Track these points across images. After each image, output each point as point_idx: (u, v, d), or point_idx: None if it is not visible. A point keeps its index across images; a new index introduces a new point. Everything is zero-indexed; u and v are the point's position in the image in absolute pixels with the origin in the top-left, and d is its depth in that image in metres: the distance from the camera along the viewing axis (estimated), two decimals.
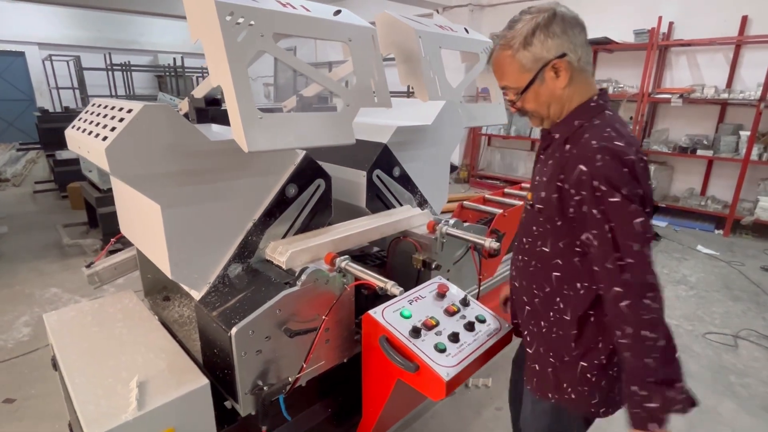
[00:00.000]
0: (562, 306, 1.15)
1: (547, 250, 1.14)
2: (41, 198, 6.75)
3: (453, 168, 8.05)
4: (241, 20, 1.10)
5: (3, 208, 5.99)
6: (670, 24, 5.45)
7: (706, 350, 2.90)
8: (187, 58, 11.60)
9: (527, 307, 1.26)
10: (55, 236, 4.91)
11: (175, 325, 1.79)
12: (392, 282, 1.36)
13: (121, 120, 1.20)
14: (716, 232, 5.25)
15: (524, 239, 1.22)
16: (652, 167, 5.53)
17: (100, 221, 4.48)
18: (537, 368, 1.23)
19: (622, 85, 5.80)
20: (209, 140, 1.35)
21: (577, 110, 1.09)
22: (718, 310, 3.45)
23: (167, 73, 11.36)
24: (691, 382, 2.58)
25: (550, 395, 1.21)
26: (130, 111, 1.21)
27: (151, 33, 12.46)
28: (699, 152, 5.25)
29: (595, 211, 0.97)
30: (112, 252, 1.99)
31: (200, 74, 11.27)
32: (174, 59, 10.95)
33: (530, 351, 1.27)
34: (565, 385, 1.17)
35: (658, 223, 5.48)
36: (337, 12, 1.38)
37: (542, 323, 1.21)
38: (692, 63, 5.46)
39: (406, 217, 1.95)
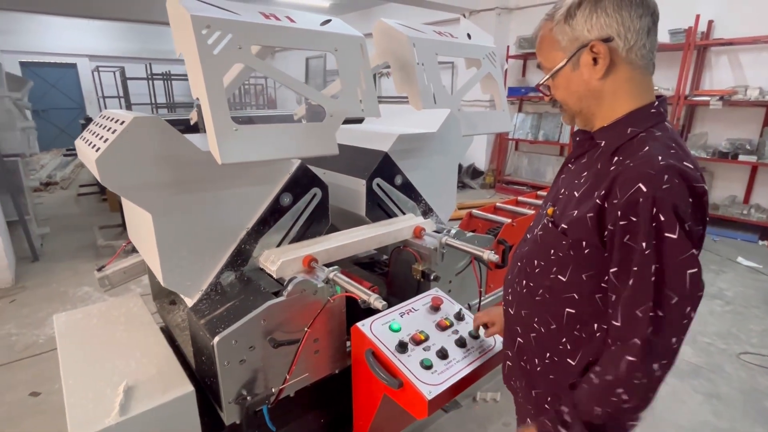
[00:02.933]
0: (569, 348, 0.96)
1: (563, 279, 0.94)
2: (84, 200, 7.18)
3: (478, 173, 7.92)
4: (217, 34, 1.11)
5: (48, 210, 6.41)
6: (710, 22, 5.13)
7: (739, 372, 2.68)
8: None
9: (519, 340, 1.08)
10: (92, 237, 5.20)
11: (177, 330, 1.84)
12: (375, 295, 1.34)
13: (113, 131, 1.25)
14: (760, 242, 4.87)
15: (535, 261, 1.00)
16: None
17: None
18: (533, 411, 1.07)
19: (656, 88, 5.52)
20: (200, 150, 1.37)
21: (631, 115, 0.88)
22: (757, 327, 3.18)
23: None
24: (719, 405, 2.43)
25: None
26: (122, 123, 1.26)
27: None
28: (741, 158, 4.91)
29: (644, 245, 0.79)
30: None
31: None
32: None
33: (521, 389, 1.11)
34: None
35: None
36: (326, 22, 1.38)
37: (536, 361, 1.04)
38: (734, 63, 5.11)
39: (406, 226, 1.92)
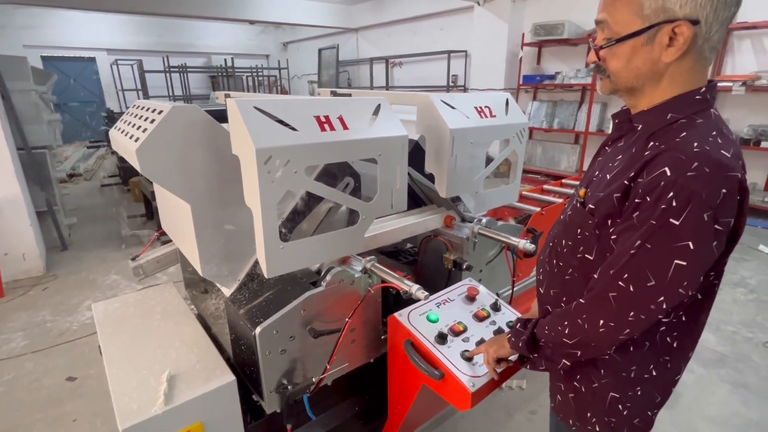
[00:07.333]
0: None
1: (590, 258, 0.94)
2: (107, 191, 7.33)
3: (491, 161, 7.79)
4: (277, 161, 1.12)
5: (74, 201, 6.55)
6: None
7: (767, 360, 2.63)
8: (237, 59, 12.07)
9: None
10: (118, 227, 5.31)
11: (211, 318, 1.86)
12: (417, 286, 1.32)
13: (152, 121, 1.24)
14: None
15: (564, 241, 1.02)
16: None
17: (155, 213, 4.79)
18: (562, 388, 1.09)
19: None
20: None
21: (674, 101, 0.83)
22: None
23: (219, 74, 11.89)
24: (748, 395, 2.36)
25: (571, 422, 1.07)
26: (160, 112, 1.25)
27: (205, 36, 13.08)
28: (764, 144, 4.79)
29: (643, 221, 0.78)
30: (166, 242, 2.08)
31: (249, 74, 11.69)
32: (225, 60, 11.43)
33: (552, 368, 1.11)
34: (589, 414, 1.02)
35: None
36: (376, 110, 1.37)
37: None
38: (758, 47, 4.90)
39: (437, 215, 1.89)
